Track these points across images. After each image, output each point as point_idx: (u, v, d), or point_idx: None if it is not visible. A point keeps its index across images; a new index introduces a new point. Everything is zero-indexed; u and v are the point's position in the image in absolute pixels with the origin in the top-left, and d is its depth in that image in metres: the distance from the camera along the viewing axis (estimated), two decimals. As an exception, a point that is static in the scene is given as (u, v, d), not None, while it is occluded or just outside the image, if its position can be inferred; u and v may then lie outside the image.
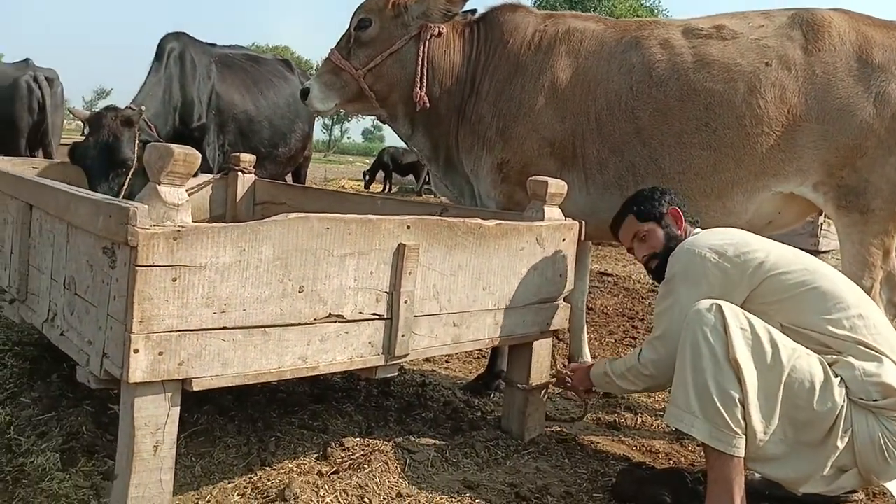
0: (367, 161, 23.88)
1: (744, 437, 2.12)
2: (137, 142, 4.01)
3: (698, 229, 2.64)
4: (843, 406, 2.14)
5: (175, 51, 4.81)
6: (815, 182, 3.05)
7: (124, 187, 3.92)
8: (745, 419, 2.11)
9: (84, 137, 4.04)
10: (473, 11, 3.53)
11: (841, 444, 2.14)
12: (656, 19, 3.64)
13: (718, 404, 2.11)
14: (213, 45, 5.48)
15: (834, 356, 2.21)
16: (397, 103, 3.50)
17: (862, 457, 2.15)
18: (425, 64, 3.38)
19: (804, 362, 2.15)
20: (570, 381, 2.87)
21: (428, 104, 3.39)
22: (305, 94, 3.47)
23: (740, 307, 2.28)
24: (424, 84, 3.38)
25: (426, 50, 3.38)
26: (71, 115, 5.73)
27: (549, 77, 3.28)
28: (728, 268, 2.32)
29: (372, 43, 3.40)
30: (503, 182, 3.34)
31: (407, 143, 3.72)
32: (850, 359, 2.18)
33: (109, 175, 3.93)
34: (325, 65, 3.50)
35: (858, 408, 2.15)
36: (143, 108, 4.26)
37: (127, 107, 4.24)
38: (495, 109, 3.34)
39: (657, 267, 2.63)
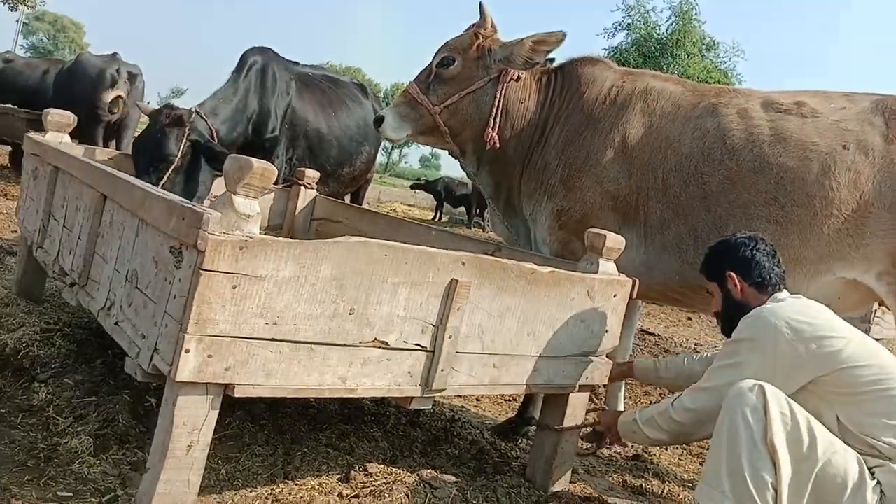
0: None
1: None
2: (185, 140, 4.14)
3: (782, 294, 2.52)
4: None
5: (257, 64, 4.97)
6: (880, 271, 2.98)
7: (162, 181, 4.04)
8: None
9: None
10: (552, 60, 3.59)
11: None
12: (736, 88, 3.62)
13: (751, 487, 2.06)
14: (296, 63, 5.64)
15: (882, 461, 2.14)
16: (467, 141, 3.57)
17: None
18: (501, 106, 3.45)
19: (840, 458, 2.09)
20: (600, 429, 2.82)
21: (498, 144, 3.45)
22: (380, 121, 3.56)
23: (801, 388, 2.23)
24: (497, 125, 3.45)
25: (503, 93, 3.45)
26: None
27: (621, 132, 3.29)
28: (800, 349, 2.24)
29: (452, 81, 3.49)
30: (560, 229, 3.34)
31: (472, 180, 3.77)
32: None
33: (150, 168, 4.06)
34: (402, 96, 3.59)
35: None
36: (196, 108, 4.40)
37: (191, 109, 4.38)
38: (562, 158, 3.37)
39: (723, 326, 2.61)
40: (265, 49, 5.21)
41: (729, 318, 2.54)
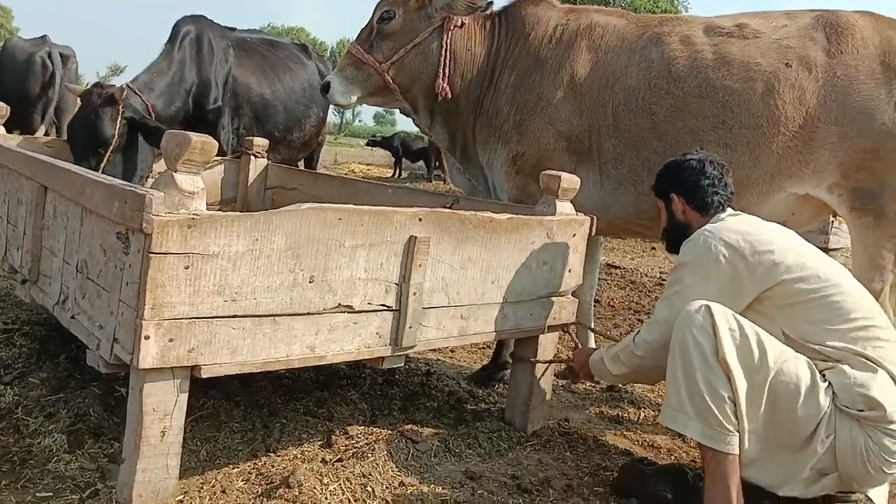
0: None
1: (737, 434, 2.13)
2: (121, 119, 4.00)
3: (723, 213, 2.52)
4: (827, 411, 2.14)
5: (191, 33, 4.79)
6: (831, 184, 3.03)
7: (103, 163, 3.93)
8: (737, 417, 2.12)
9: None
10: (491, 3, 3.52)
11: (821, 449, 2.14)
12: (679, 16, 3.62)
13: (710, 403, 2.12)
14: (233, 28, 5.46)
15: (830, 364, 2.21)
16: (418, 95, 3.50)
17: (843, 462, 2.15)
18: (448, 55, 3.38)
19: (791, 365, 2.16)
20: (573, 365, 2.87)
21: (450, 95, 3.40)
22: (326, 88, 3.46)
23: (747, 306, 2.28)
24: (447, 75, 3.39)
25: (449, 41, 3.38)
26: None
27: (569, 71, 3.27)
28: (739, 267, 2.28)
29: (395, 35, 3.40)
30: (517, 174, 3.33)
31: (426, 134, 3.72)
32: (846, 367, 2.18)
33: (88, 152, 3.94)
34: (346, 58, 3.49)
35: (844, 415, 2.15)
36: (129, 84, 4.25)
37: (124, 85, 4.23)
38: (513, 102, 3.34)
39: (667, 243, 2.67)
40: (198, 17, 5.02)
41: (672, 236, 2.61)
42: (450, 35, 3.38)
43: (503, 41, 3.46)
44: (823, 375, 2.19)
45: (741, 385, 2.12)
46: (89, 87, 4.20)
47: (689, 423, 2.16)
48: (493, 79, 3.44)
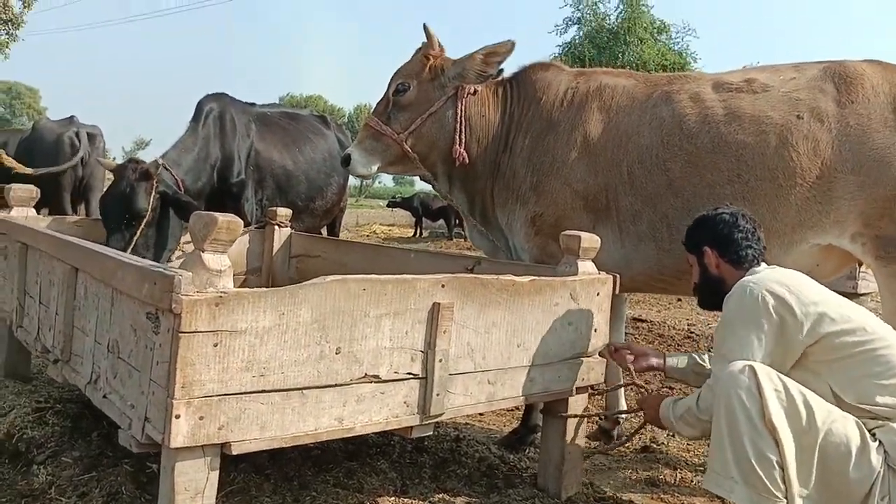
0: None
1: (784, 500, 2.07)
2: (154, 193, 4.11)
3: (759, 267, 2.51)
4: (879, 472, 2.08)
5: (214, 111, 4.95)
6: (853, 233, 3.02)
7: (136, 237, 4.01)
8: (784, 483, 2.06)
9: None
10: (501, 71, 3.61)
11: None
12: (686, 73, 3.68)
13: (757, 468, 2.07)
14: (253, 104, 5.63)
15: (881, 422, 2.16)
16: (436, 162, 3.59)
17: None
18: (463, 122, 3.48)
19: (840, 426, 2.11)
20: (643, 410, 2.78)
21: (467, 160, 3.48)
22: (347, 160, 3.56)
23: (796, 364, 2.24)
24: (463, 140, 3.47)
25: (463, 108, 3.48)
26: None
27: (582, 132, 3.33)
28: (787, 319, 2.24)
29: (411, 106, 3.51)
30: (536, 235, 3.36)
31: (446, 199, 3.79)
32: (895, 425, 2.13)
33: (122, 224, 4.02)
34: (364, 131, 3.58)
35: None
36: (161, 160, 4.38)
37: (155, 160, 4.35)
38: (529, 164, 3.40)
39: (699, 298, 2.65)
40: (220, 95, 5.20)
41: (705, 290, 2.59)
42: (464, 102, 3.48)
43: (516, 106, 3.55)
44: (874, 435, 2.14)
45: (789, 448, 2.07)
46: (123, 162, 4.31)
47: (736, 488, 2.11)
48: (509, 142, 3.51)
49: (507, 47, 3.46)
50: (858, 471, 2.08)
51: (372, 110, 3.63)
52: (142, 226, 4.03)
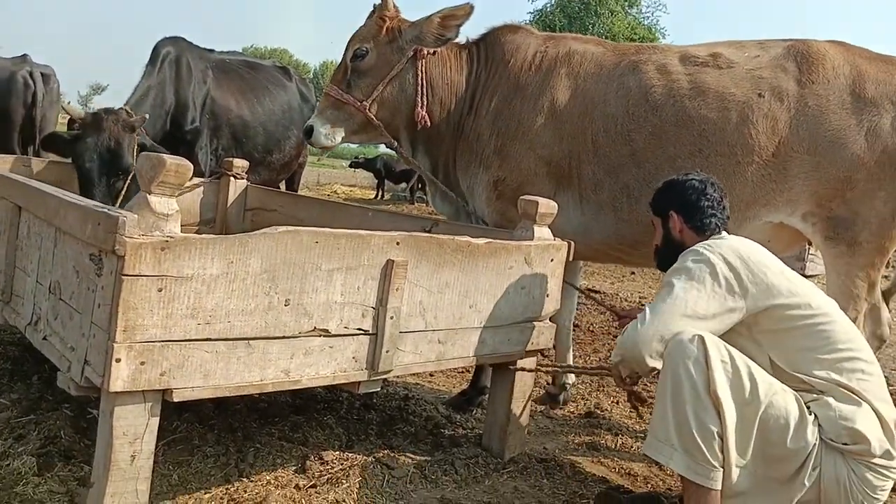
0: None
1: (721, 469, 2.12)
2: (135, 146, 3.99)
3: (721, 235, 2.52)
4: (815, 445, 2.14)
5: (171, 55, 4.80)
6: (805, 213, 3.08)
7: (122, 193, 3.89)
8: (723, 452, 2.12)
9: (77, 135, 3.99)
10: (458, 35, 3.52)
11: (808, 483, 2.14)
12: (655, 44, 3.68)
13: (697, 438, 2.11)
14: (211, 50, 5.47)
15: (815, 395, 2.22)
16: (399, 127, 3.51)
17: (826, 495, 2.15)
18: (424, 84, 3.41)
19: (781, 399, 2.16)
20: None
21: (429, 122, 3.43)
22: (309, 132, 3.45)
23: (737, 332, 2.29)
24: (425, 103, 3.41)
25: (424, 70, 3.41)
26: (64, 112, 5.66)
27: (549, 98, 3.31)
28: (733, 283, 2.27)
29: (370, 72, 3.41)
30: (497, 200, 3.35)
31: (410, 164, 3.72)
32: (830, 399, 2.19)
33: (108, 180, 3.90)
34: (325, 100, 3.48)
35: (829, 448, 2.16)
36: (146, 115, 4.26)
37: (121, 108, 4.21)
38: (494, 127, 3.37)
39: (658, 260, 2.64)
40: (177, 38, 5.03)
41: (665, 254, 2.58)
42: (424, 64, 3.41)
43: (482, 68, 3.50)
44: (809, 408, 2.20)
45: (731, 420, 2.11)
46: (97, 111, 4.12)
47: (675, 455, 2.15)
48: (474, 105, 3.46)
49: (465, 10, 3.37)
50: (795, 442, 2.13)
51: (330, 78, 3.53)
52: (128, 181, 3.91)
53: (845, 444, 2.14)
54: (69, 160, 3.99)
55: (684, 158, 3.11)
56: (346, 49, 3.49)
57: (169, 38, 4.96)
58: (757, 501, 2.18)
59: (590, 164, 3.25)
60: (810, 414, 2.18)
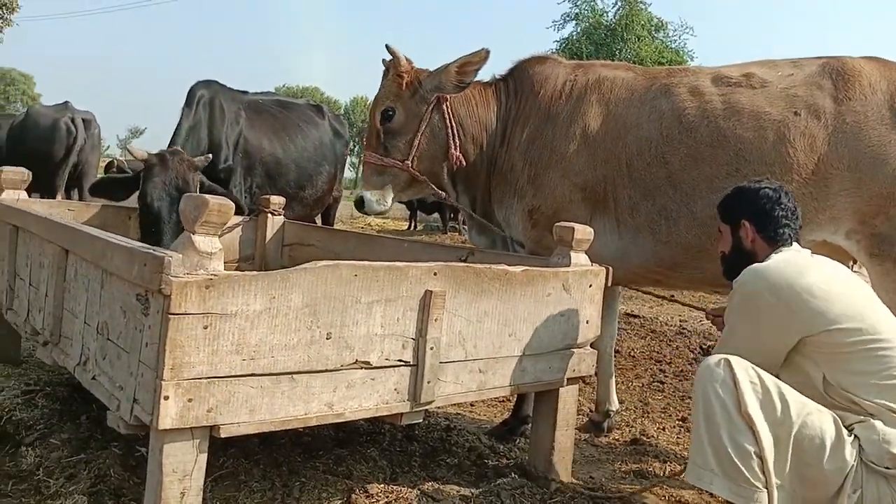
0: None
1: (765, 490, 2.07)
2: (199, 185, 4.11)
3: (790, 247, 2.47)
4: (853, 466, 2.09)
5: (205, 97, 4.93)
6: (848, 230, 3.02)
7: None
8: (764, 473, 2.07)
9: (141, 176, 4.05)
10: (474, 79, 3.50)
11: None
12: (686, 67, 3.67)
13: (736, 460, 2.07)
14: (245, 92, 5.61)
15: (863, 417, 2.16)
16: (439, 173, 3.52)
17: None
18: (454, 125, 3.43)
19: (815, 419, 2.12)
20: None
21: (464, 162, 3.44)
22: (360, 203, 3.48)
23: (793, 348, 2.25)
24: (458, 144, 3.42)
25: (450, 112, 3.43)
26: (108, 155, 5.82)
27: (581, 125, 3.32)
28: (783, 314, 2.24)
29: (403, 129, 3.42)
30: (533, 228, 3.36)
31: (455, 206, 3.70)
32: (877, 423, 2.13)
33: (177, 217, 3.97)
34: (367, 169, 3.48)
35: (871, 470, 2.10)
36: (210, 155, 4.39)
37: (170, 149, 4.31)
38: (527, 157, 3.38)
39: (725, 268, 2.58)
40: (210, 81, 5.18)
41: (733, 262, 2.51)
42: (449, 106, 3.43)
43: (512, 101, 3.52)
44: (852, 429, 2.15)
45: (766, 439, 2.08)
46: (161, 152, 4.22)
47: (715, 479, 2.11)
48: (506, 137, 3.49)
49: (482, 56, 3.38)
50: (832, 463, 2.08)
51: (364, 146, 3.53)
52: None
53: (888, 467, 2.08)
54: (119, 202, 4.09)
55: (722, 178, 3.08)
56: (372, 114, 3.51)
57: (203, 82, 5.10)
58: None
59: (625, 189, 3.24)
60: (850, 435, 2.13)
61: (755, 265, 2.38)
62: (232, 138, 5.02)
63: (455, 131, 3.43)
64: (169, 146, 4.48)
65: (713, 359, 2.19)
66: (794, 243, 2.48)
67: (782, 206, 2.48)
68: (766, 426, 2.09)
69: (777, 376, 2.26)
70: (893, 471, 2.08)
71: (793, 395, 2.14)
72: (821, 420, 2.12)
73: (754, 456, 2.07)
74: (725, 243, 2.59)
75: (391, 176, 3.44)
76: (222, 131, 4.95)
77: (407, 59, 3.48)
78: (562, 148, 3.32)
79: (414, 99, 3.44)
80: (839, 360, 2.22)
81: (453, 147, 3.42)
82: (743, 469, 2.07)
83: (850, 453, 2.09)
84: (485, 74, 3.55)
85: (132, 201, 4.22)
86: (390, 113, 3.43)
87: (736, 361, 2.16)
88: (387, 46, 3.51)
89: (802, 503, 2.13)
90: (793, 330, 2.24)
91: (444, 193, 3.56)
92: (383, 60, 3.55)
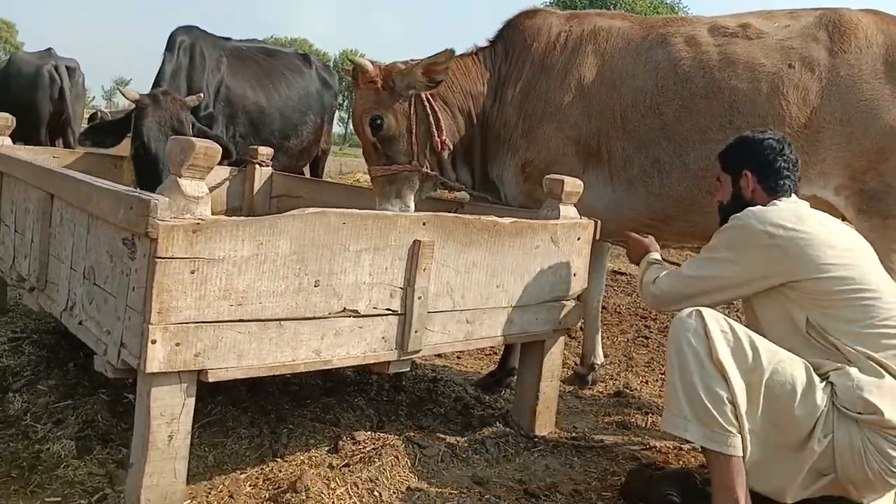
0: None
1: (738, 435, 2.12)
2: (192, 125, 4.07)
3: (784, 200, 2.46)
4: (824, 410, 2.13)
5: (185, 42, 4.83)
6: (838, 185, 3.03)
7: None
8: (737, 418, 2.12)
9: (132, 117, 3.98)
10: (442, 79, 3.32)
11: (819, 448, 2.13)
12: (683, 17, 3.62)
13: (709, 405, 2.11)
14: (228, 38, 5.49)
15: (840, 364, 2.20)
16: (443, 159, 3.41)
17: (841, 462, 2.14)
18: (436, 110, 3.30)
19: (786, 366, 2.16)
20: (628, 250, 2.90)
21: (451, 146, 3.34)
22: None
23: (778, 290, 2.29)
24: (442, 129, 3.30)
25: (429, 99, 3.30)
26: (93, 103, 5.72)
27: (576, 76, 3.28)
28: (775, 255, 2.26)
29: (397, 132, 3.28)
30: (525, 182, 3.33)
31: (465, 189, 3.57)
32: (852, 370, 2.17)
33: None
34: (377, 184, 3.32)
35: (843, 416, 2.14)
36: (203, 95, 4.33)
37: (161, 89, 4.23)
38: (521, 111, 3.34)
39: (722, 217, 2.57)
40: (191, 27, 5.06)
41: (732, 211, 2.49)
42: (426, 95, 3.29)
43: (502, 62, 3.44)
44: (828, 376, 2.19)
45: (738, 385, 2.12)
46: (153, 92, 4.15)
47: (690, 426, 2.15)
48: (497, 97, 3.41)
49: (447, 56, 3.20)
50: (803, 409, 2.13)
51: (368, 163, 3.37)
52: None
53: (859, 413, 2.12)
54: (108, 149, 4.03)
55: (715, 130, 3.07)
56: (360, 129, 3.35)
57: (183, 27, 4.99)
58: (770, 469, 2.19)
59: (619, 140, 3.22)
60: (822, 381, 2.17)
61: (756, 207, 2.39)
62: (213, 85, 4.93)
63: (439, 116, 3.30)
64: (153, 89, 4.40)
65: (684, 312, 2.24)
66: (793, 195, 2.49)
67: (785, 157, 2.48)
68: (738, 373, 2.13)
69: (759, 318, 2.35)
70: (865, 416, 2.12)
71: (763, 343, 2.18)
72: (792, 367, 2.16)
73: (727, 402, 2.12)
74: (725, 193, 2.58)
75: (403, 180, 3.30)
76: (203, 78, 4.86)
77: (371, 63, 3.33)
78: (556, 100, 3.28)
79: (394, 99, 3.28)
80: (825, 306, 2.25)
81: (436, 134, 3.29)
82: (716, 414, 2.11)
83: (820, 399, 2.14)
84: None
85: (118, 149, 4.17)
86: (379, 122, 3.27)
87: (707, 312, 2.20)
88: (350, 60, 3.41)
89: (774, 447, 2.18)
90: (779, 271, 2.27)
91: (455, 182, 3.47)
92: (349, 72, 3.43)
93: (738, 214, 2.39)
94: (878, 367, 2.17)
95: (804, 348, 2.25)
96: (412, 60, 3.35)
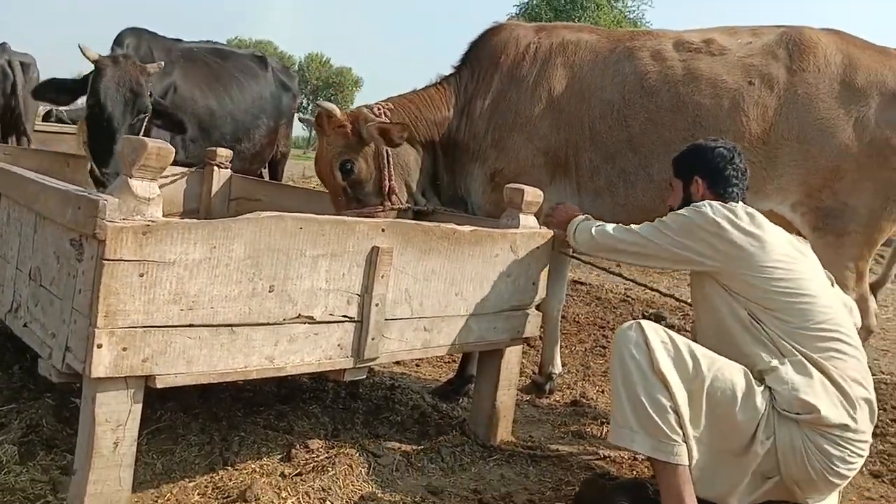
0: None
1: (684, 444, 2.15)
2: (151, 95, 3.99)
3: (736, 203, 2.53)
4: (764, 413, 2.18)
5: (131, 45, 4.72)
6: (794, 202, 3.10)
7: (143, 131, 3.85)
8: (681, 426, 2.15)
9: (93, 75, 3.88)
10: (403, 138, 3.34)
11: (762, 451, 2.18)
12: (649, 30, 3.68)
13: (653, 415, 2.15)
14: (179, 40, 5.38)
15: (775, 363, 2.25)
16: (417, 193, 3.44)
17: (784, 463, 2.19)
18: (389, 155, 3.30)
19: (726, 372, 2.21)
20: (553, 217, 2.91)
21: (396, 191, 3.32)
22: None
23: (718, 284, 2.36)
24: (391, 175, 3.30)
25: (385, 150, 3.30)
26: (39, 103, 5.56)
27: (546, 88, 3.32)
28: (719, 246, 2.33)
29: (369, 175, 3.28)
30: (493, 191, 3.34)
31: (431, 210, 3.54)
32: (784, 369, 2.22)
33: (130, 119, 3.84)
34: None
35: (783, 418, 2.19)
36: (163, 64, 4.25)
37: (122, 53, 4.13)
38: (490, 122, 3.37)
39: None
40: (140, 29, 4.95)
41: None
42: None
43: (468, 80, 3.47)
44: (763, 380, 2.24)
45: (680, 394, 2.16)
46: (115, 55, 4.05)
47: (636, 437, 2.18)
48: (465, 112, 3.43)
49: (401, 129, 3.20)
50: (744, 413, 2.18)
51: (342, 210, 3.32)
52: (145, 122, 3.86)
53: (798, 413, 2.18)
54: (65, 107, 3.93)
55: (679, 143, 3.10)
56: (329, 175, 3.32)
57: (130, 29, 4.87)
58: (716, 475, 2.22)
59: (587, 152, 3.27)
60: (760, 385, 2.22)
61: (715, 201, 2.45)
62: (161, 89, 4.83)
63: (389, 164, 3.29)
64: None
65: (625, 325, 2.28)
66: (741, 202, 2.55)
67: (734, 165, 2.55)
68: (680, 382, 2.18)
69: (706, 299, 2.42)
70: (804, 416, 2.17)
71: (702, 352, 2.23)
72: (731, 373, 2.22)
73: (671, 410, 2.15)
74: (676, 198, 2.65)
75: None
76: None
77: (337, 109, 3.32)
78: (526, 111, 3.32)
79: (363, 142, 3.27)
80: (763, 302, 2.31)
81: (386, 178, 3.28)
82: (661, 424, 2.14)
83: (760, 402, 2.19)
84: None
85: (70, 147, 4.06)
86: (349, 166, 3.25)
87: (647, 325, 2.24)
88: (319, 104, 3.38)
89: (719, 453, 2.22)
90: (720, 259, 2.34)
91: (427, 207, 3.46)
92: (315, 117, 3.41)
93: (697, 202, 2.45)
94: (809, 365, 2.23)
95: (743, 334, 2.32)
96: (380, 106, 3.41)
